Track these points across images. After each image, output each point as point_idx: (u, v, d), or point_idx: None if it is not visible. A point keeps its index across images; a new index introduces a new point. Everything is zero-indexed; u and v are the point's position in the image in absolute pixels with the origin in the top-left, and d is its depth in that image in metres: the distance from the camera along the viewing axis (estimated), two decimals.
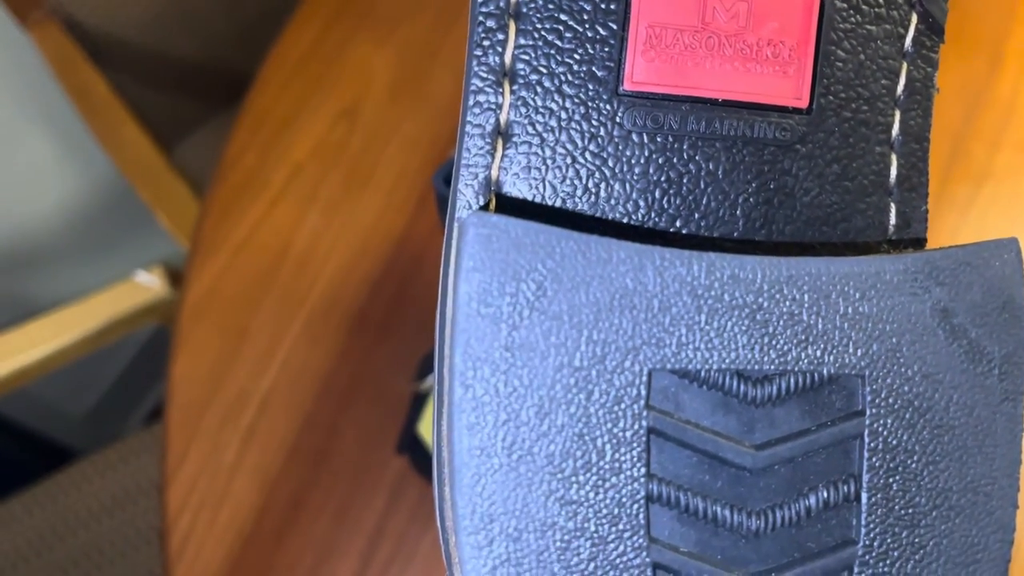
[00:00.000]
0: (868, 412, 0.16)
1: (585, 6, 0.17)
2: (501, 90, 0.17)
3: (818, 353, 0.16)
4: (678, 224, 0.17)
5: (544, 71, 0.17)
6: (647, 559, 0.15)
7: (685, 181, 0.17)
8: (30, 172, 0.85)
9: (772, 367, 0.16)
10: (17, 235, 0.86)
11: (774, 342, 0.16)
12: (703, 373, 0.16)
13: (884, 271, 0.16)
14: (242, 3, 0.80)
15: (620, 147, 0.17)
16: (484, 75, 0.17)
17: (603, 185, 0.17)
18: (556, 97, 0.17)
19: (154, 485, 0.72)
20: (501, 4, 0.17)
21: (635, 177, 0.17)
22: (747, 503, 0.16)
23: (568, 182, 0.17)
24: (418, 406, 0.50)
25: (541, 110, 0.17)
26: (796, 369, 0.16)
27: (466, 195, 0.17)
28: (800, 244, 0.17)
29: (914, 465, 0.16)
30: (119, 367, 0.97)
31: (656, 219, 0.17)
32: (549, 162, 0.17)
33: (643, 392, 0.15)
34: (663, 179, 0.17)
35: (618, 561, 0.15)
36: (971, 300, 0.16)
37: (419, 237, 0.56)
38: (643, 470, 0.15)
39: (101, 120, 0.73)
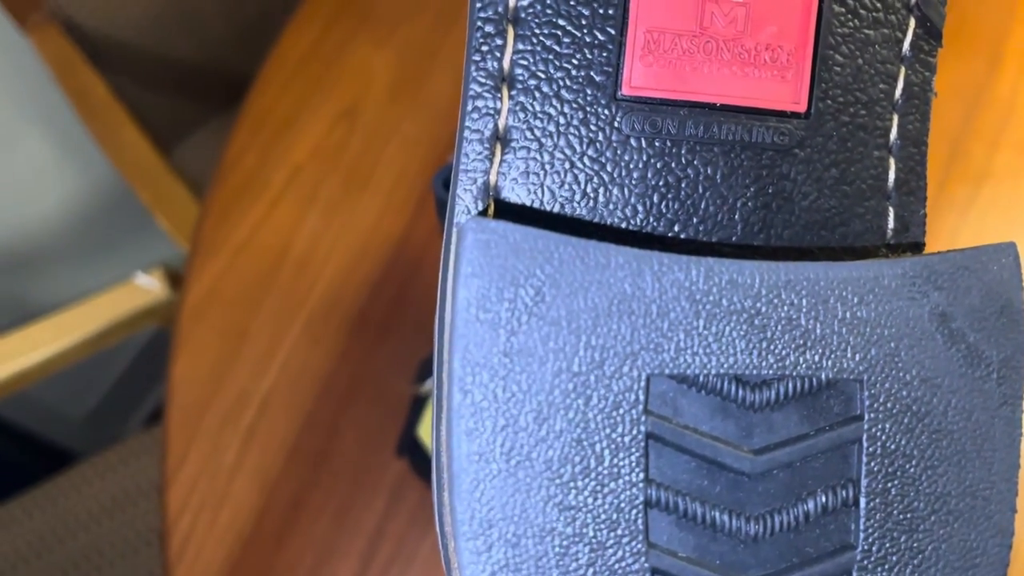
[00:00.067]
0: (866, 417, 0.16)
1: (583, 11, 0.17)
2: (499, 95, 0.17)
3: (816, 358, 0.16)
4: (676, 228, 0.17)
5: (542, 76, 0.17)
6: (646, 564, 0.16)
7: (683, 185, 0.17)
8: (29, 174, 0.85)
9: (770, 372, 0.16)
10: (16, 237, 0.86)
11: (772, 347, 0.16)
12: (701, 378, 0.16)
13: (882, 276, 0.16)
14: (241, 4, 0.80)
15: (618, 152, 0.17)
16: (482, 80, 0.17)
17: (601, 190, 0.17)
18: (554, 102, 0.17)
19: (154, 487, 0.72)
20: (499, 9, 0.17)
21: (633, 182, 0.17)
22: (746, 508, 0.16)
23: (566, 187, 0.17)
24: (417, 409, 0.50)
25: (539, 115, 0.17)
26: (794, 374, 0.16)
27: (465, 200, 0.17)
28: (798, 248, 0.17)
29: (912, 469, 0.16)
30: (119, 369, 0.97)
31: (654, 224, 0.17)
32: (548, 167, 0.17)
33: (641, 397, 0.15)
34: (661, 183, 0.17)
35: (617, 566, 0.15)
36: (969, 304, 0.16)
37: (419, 238, 0.56)
38: (641, 475, 0.15)
39: (100, 122, 0.73)
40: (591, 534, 0.15)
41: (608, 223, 0.17)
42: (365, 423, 0.52)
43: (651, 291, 0.16)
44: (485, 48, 0.17)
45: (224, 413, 0.53)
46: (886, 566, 0.16)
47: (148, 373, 0.97)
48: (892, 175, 0.18)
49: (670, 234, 0.17)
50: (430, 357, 0.52)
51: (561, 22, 0.17)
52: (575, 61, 0.17)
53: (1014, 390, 0.16)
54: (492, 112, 0.17)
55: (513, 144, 0.17)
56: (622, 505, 0.15)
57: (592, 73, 0.17)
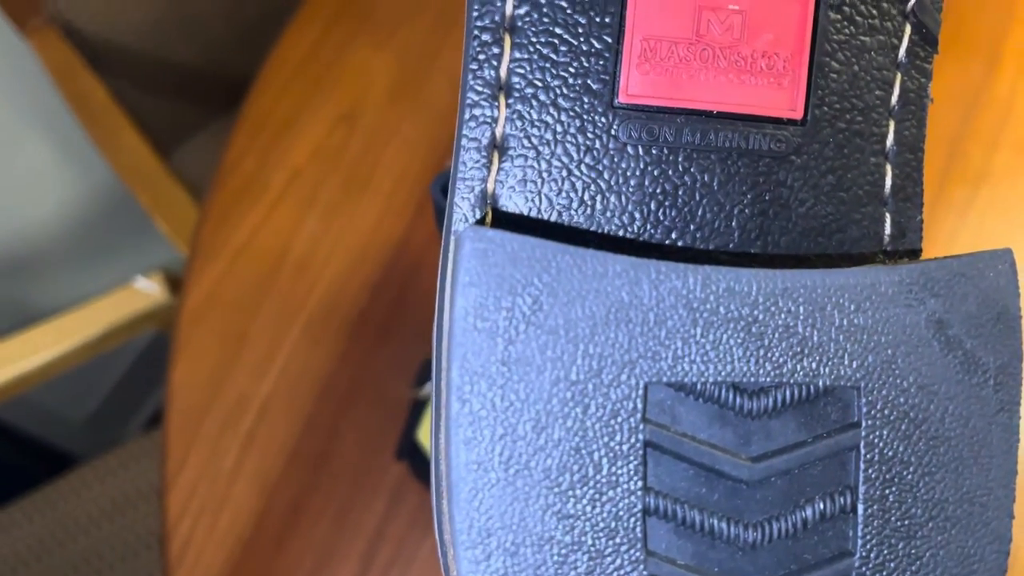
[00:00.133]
0: (864, 424, 0.16)
1: (580, 20, 0.17)
2: (497, 104, 0.17)
3: (814, 365, 0.16)
4: (674, 236, 0.17)
5: (539, 84, 0.17)
6: (644, 572, 0.16)
7: (680, 193, 0.17)
8: (29, 178, 0.85)
9: (768, 379, 0.16)
10: (16, 241, 0.86)
11: (770, 354, 0.16)
12: (699, 386, 0.16)
13: (879, 283, 0.16)
14: (241, 7, 0.80)
15: (615, 160, 0.17)
16: (480, 89, 0.17)
17: (599, 198, 0.17)
18: (551, 110, 0.17)
19: (154, 490, 0.72)
20: (496, 18, 0.17)
21: (630, 189, 0.17)
22: (744, 515, 0.16)
23: (564, 195, 0.17)
24: (417, 413, 0.50)
25: (537, 123, 0.17)
26: (792, 381, 0.16)
27: (462, 208, 0.17)
28: (796, 255, 0.18)
29: (910, 476, 0.16)
30: (119, 373, 0.97)
31: (652, 231, 0.17)
32: (545, 175, 0.17)
33: (639, 405, 0.16)
34: (658, 191, 0.17)
35: (615, 574, 0.15)
36: (966, 311, 0.16)
37: (418, 241, 0.56)
38: (640, 483, 0.15)
39: (100, 126, 0.73)
40: (590, 542, 0.15)
41: (605, 231, 0.17)
42: (365, 426, 0.52)
43: (648, 299, 0.16)
44: (482, 57, 0.17)
45: (224, 417, 0.53)
46: (884, 573, 0.16)
47: (148, 377, 0.97)
48: (889, 181, 0.18)
49: (667, 241, 0.17)
50: (429, 360, 0.52)
51: (558, 30, 0.17)
52: (572, 69, 0.17)
53: (1011, 396, 0.16)
54: (489, 120, 0.17)
55: (510, 152, 0.17)
56: (620, 513, 0.15)
57: (589, 81, 0.17)
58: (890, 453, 0.16)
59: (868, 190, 0.18)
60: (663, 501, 0.16)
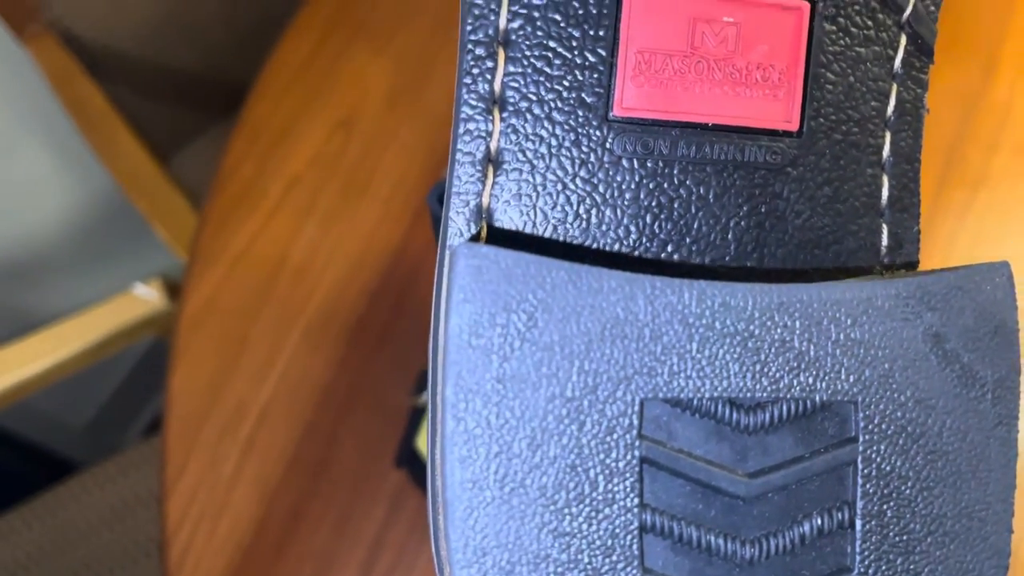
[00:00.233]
0: (861, 439, 0.16)
1: (574, 33, 0.17)
2: (491, 118, 0.17)
3: (810, 380, 0.16)
4: (669, 249, 0.17)
5: (534, 98, 0.17)
6: None
7: (676, 206, 0.17)
8: (27, 184, 0.85)
9: (764, 395, 0.16)
10: (15, 248, 0.86)
11: (766, 369, 0.16)
12: (695, 401, 0.16)
13: (875, 297, 0.16)
14: (239, 13, 0.80)
15: (611, 173, 0.17)
16: (474, 103, 0.17)
17: (594, 211, 0.17)
18: (546, 124, 0.17)
19: (154, 497, 0.72)
20: (490, 32, 0.17)
21: (626, 203, 0.17)
22: (741, 532, 0.16)
23: (559, 208, 0.17)
24: (415, 420, 0.50)
25: (531, 137, 0.17)
26: (788, 396, 0.16)
27: (457, 222, 0.17)
28: (792, 268, 0.17)
29: (908, 491, 0.16)
30: (118, 379, 0.97)
31: (647, 244, 0.17)
32: (540, 189, 0.17)
33: (635, 422, 0.15)
34: (654, 204, 0.17)
35: None
36: (963, 325, 0.16)
37: (416, 247, 0.56)
38: (636, 500, 0.15)
39: (98, 132, 0.73)
40: (586, 560, 0.15)
41: (601, 244, 0.17)
42: (364, 432, 0.52)
43: (644, 315, 0.15)
44: (476, 71, 0.17)
45: (223, 423, 0.53)
46: None
47: (147, 383, 0.96)
48: (885, 192, 0.18)
49: (663, 255, 0.17)
50: (427, 368, 0.51)
51: (552, 44, 0.17)
52: (566, 83, 0.17)
53: (1009, 410, 0.16)
54: (484, 134, 0.17)
55: (505, 166, 0.17)
56: (617, 531, 0.15)
57: (583, 94, 0.17)
58: (888, 468, 0.16)
59: (865, 201, 0.18)
60: (660, 518, 0.15)
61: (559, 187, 0.17)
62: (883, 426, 0.16)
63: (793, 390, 0.16)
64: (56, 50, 0.73)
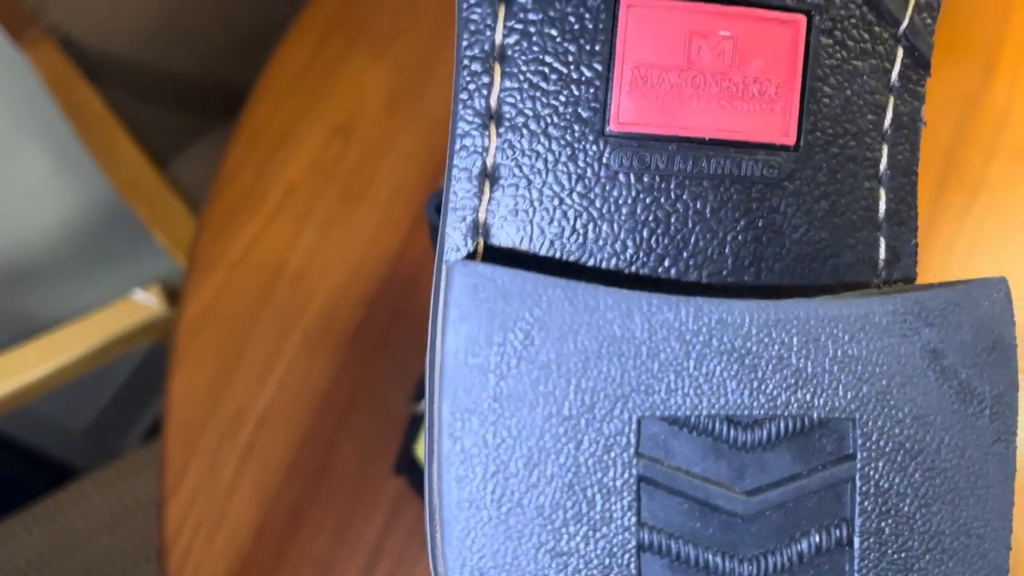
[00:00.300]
0: (859, 456, 0.16)
1: (570, 48, 0.17)
2: (487, 133, 0.17)
3: (808, 397, 0.16)
4: (666, 264, 0.17)
5: (530, 114, 0.17)
6: None
7: (673, 220, 0.17)
8: (26, 190, 0.85)
9: (762, 412, 0.16)
10: (14, 253, 0.86)
11: (763, 386, 0.16)
12: (693, 419, 0.16)
13: (873, 313, 0.16)
14: (238, 18, 0.80)
15: (607, 188, 0.17)
16: (470, 119, 0.17)
17: (591, 226, 0.17)
18: (542, 139, 0.17)
19: (153, 502, 0.72)
20: (486, 47, 0.17)
21: (623, 217, 0.17)
22: (739, 550, 0.16)
23: (556, 224, 0.17)
24: (414, 428, 0.50)
25: (528, 152, 0.17)
26: (786, 413, 0.16)
27: (454, 237, 0.17)
28: (790, 282, 0.17)
29: (906, 508, 0.16)
30: (117, 384, 0.97)
31: (645, 259, 0.17)
32: (536, 204, 0.17)
33: (633, 440, 0.15)
34: (651, 219, 0.17)
35: None
36: (961, 340, 0.16)
37: (416, 252, 0.56)
38: (634, 519, 0.15)
39: (97, 138, 0.73)
40: None
41: (598, 259, 0.17)
42: (364, 437, 0.52)
43: (641, 332, 0.15)
44: (472, 86, 0.17)
45: (222, 429, 0.53)
46: None
47: (146, 388, 0.96)
48: (883, 206, 0.18)
49: (660, 269, 0.17)
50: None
51: (548, 59, 0.17)
52: (562, 98, 0.17)
53: (1007, 426, 0.16)
54: (480, 150, 0.17)
55: (502, 181, 0.17)
56: (615, 550, 0.15)
57: (580, 109, 0.17)
58: (886, 485, 0.16)
59: (862, 215, 0.18)
60: (657, 536, 0.15)
61: (556, 202, 0.17)
62: (881, 443, 0.16)
63: (791, 407, 0.16)
64: (54, 55, 0.73)
